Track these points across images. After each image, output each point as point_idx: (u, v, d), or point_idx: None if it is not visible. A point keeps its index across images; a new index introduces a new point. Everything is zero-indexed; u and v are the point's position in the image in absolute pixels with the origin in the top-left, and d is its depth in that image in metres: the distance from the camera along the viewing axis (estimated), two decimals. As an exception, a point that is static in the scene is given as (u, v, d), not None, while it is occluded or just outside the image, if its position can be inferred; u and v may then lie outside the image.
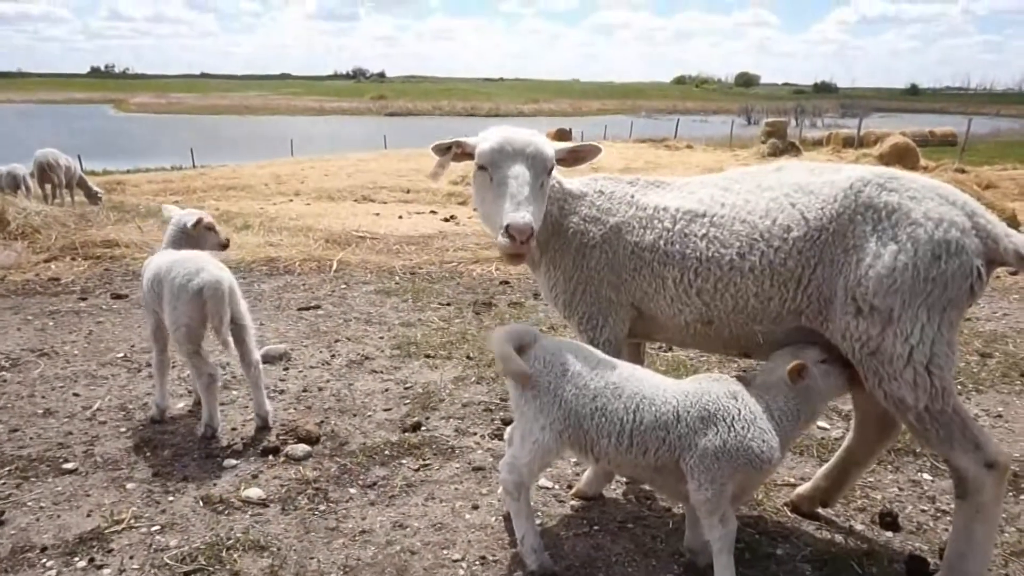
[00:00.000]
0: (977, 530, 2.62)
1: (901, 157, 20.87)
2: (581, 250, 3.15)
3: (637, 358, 3.59)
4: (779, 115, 56.44)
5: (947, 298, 2.51)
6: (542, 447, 2.76)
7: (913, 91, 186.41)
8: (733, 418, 2.60)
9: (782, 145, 28.48)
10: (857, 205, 2.63)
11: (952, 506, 3.42)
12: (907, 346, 2.52)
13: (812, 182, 2.79)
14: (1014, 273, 2.52)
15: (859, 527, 3.31)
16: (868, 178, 2.69)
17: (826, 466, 3.36)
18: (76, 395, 4.68)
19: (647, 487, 3.55)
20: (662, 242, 2.97)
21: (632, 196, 3.15)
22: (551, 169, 3.01)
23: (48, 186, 14.81)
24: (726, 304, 2.86)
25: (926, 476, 3.78)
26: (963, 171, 18.95)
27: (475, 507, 3.42)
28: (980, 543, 2.64)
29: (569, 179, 3.36)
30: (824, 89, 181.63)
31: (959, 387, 4.87)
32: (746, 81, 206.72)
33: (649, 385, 2.74)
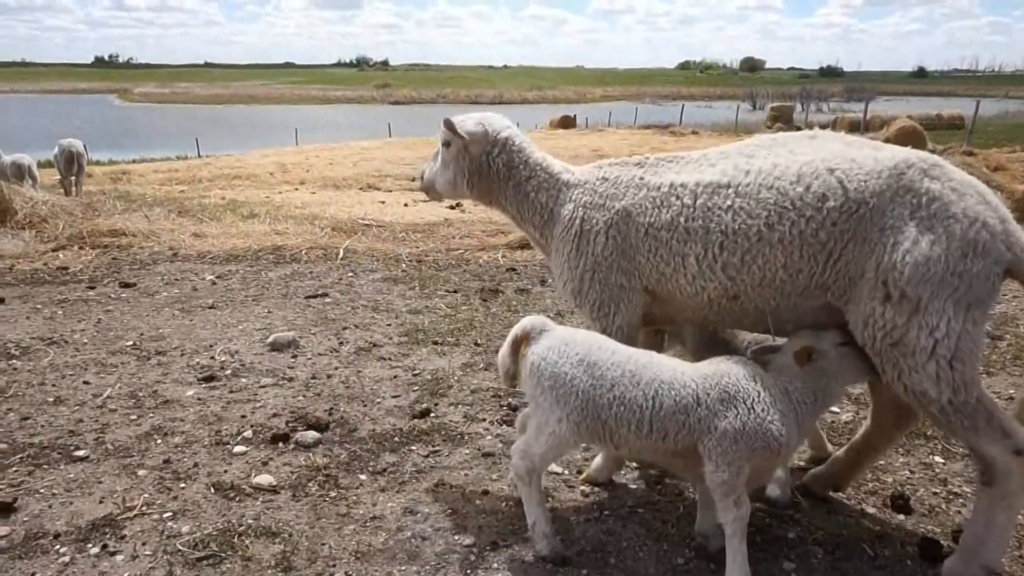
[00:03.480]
0: (999, 516, 2.60)
1: (908, 141, 20.68)
2: (584, 237, 3.14)
3: (656, 347, 3.56)
4: (785, 100, 56.15)
5: (972, 295, 2.46)
6: (559, 438, 2.74)
7: (920, 74, 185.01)
8: (753, 400, 2.57)
9: (788, 130, 28.34)
10: (899, 186, 2.56)
11: (964, 488, 3.43)
12: (931, 339, 2.47)
13: (854, 154, 2.69)
14: None
15: (871, 510, 3.30)
16: (912, 161, 2.61)
17: (841, 450, 3.34)
18: (86, 383, 4.70)
19: (655, 471, 3.54)
20: (682, 219, 2.89)
21: (641, 178, 3.10)
22: (444, 141, 3.56)
23: (72, 176, 14.84)
24: (753, 277, 2.77)
25: (938, 459, 3.77)
26: (971, 153, 18.78)
27: (485, 493, 3.42)
28: (1000, 529, 2.61)
29: (571, 168, 3.42)
30: (830, 73, 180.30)
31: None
32: (751, 66, 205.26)
33: (667, 370, 2.71)
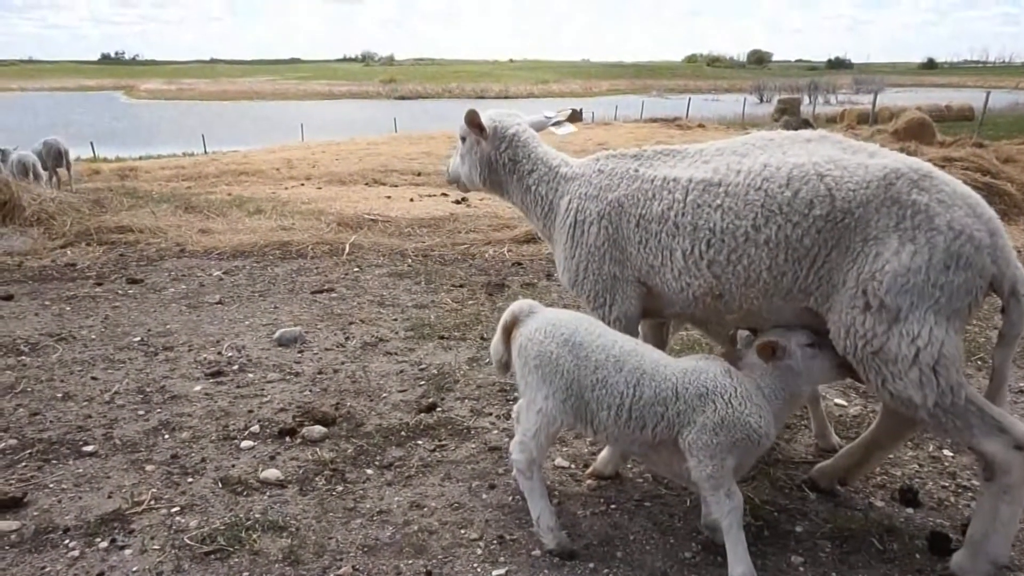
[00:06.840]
0: (1003, 510, 2.59)
1: (917, 133, 20.50)
2: (579, 227, 3.22)
3: (660, 339, 3.59)
4: (792, 92, 55.89)
5: (951, 308, 2.49)
6: (546, 416, 2.80)
7: (930, 65, 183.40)
8: (730, 395, 2.64)
9: (795, 122, 28.15)
10: (886, 197, 2.55)
11: (974, 482, 3.40)
12: (913, 347, 2.49)
13: (846, 161, 2.68)
14: (1003, 310, 2.52)
15: (879, 504, 3.29)
16: (903, 171, 2.59)
17: (850, 445, 3.33)
18: (94, 379, 4.72)
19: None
20: (672, 213, 2.93)
21: (636, 170, 3.15)
22: (461, 135, 3.71)
23: (61, 171, 15.00)
24: (738, 277, 2.81)
25: (947, 452, 3.75)
26: (981, 145, 18.63)
27: (492, 487, 3.43)
28: (1005, 523, 2.60)
29: (569, 161, 3.52)
30: (838, 65, 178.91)
31: (980, 363, 4.81)
32: (758, 58, 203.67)
33: (650, 361, 2.77)
